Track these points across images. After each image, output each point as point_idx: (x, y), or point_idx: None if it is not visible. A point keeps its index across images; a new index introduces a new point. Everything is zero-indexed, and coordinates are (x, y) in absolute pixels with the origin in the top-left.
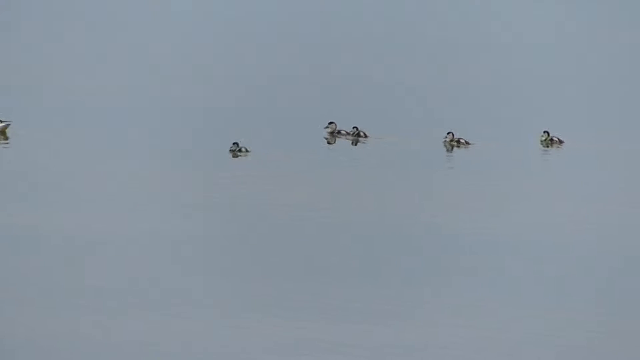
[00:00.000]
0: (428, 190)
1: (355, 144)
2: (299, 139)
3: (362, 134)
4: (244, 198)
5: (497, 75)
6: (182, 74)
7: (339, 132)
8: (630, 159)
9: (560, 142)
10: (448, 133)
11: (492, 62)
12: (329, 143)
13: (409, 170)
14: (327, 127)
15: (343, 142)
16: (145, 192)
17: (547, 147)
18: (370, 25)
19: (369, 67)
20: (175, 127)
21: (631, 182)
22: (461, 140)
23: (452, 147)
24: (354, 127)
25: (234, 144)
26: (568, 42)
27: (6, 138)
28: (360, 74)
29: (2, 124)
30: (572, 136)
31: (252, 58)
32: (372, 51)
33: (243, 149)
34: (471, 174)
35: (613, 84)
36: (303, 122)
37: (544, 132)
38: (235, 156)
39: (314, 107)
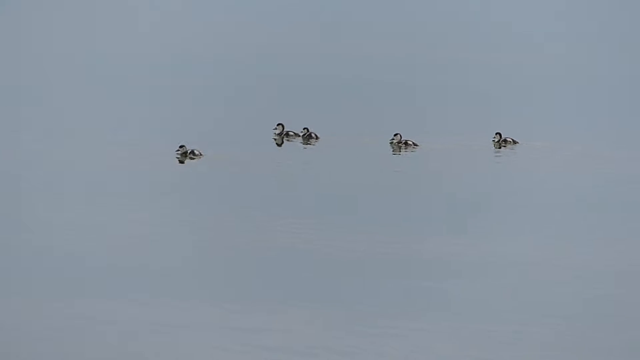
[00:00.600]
0: (369, 195)
1: (306, 146)
2: (250, 140)
3: (313, 135)
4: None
5: (460, 76)
6: (141, 75)
7: (287, 133)
8: (583, 158)
9: (515, 142)
10: (395, 134)
11: (457, 63)
12: (277, 145)
13: (352, 173)
14: (275, 128)
15: (292, 144)
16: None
17: (500, 148)
18: (329, 24)
19: (329, 68)
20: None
21: (576, 181)
22: (408, 142)
23: (400, 148)
24: (304, 128)
25: (180, 146)
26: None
27: None
28: (319, 74)
29: None
30: (529, 137)
31: (213, 59)
32: (332, 51)
33: (197, 152)
34: (415, 176)
35: (579, 84)
36: (260, 123)
37: (496, 133)
38: (182, 161)
39: (275, 108)
